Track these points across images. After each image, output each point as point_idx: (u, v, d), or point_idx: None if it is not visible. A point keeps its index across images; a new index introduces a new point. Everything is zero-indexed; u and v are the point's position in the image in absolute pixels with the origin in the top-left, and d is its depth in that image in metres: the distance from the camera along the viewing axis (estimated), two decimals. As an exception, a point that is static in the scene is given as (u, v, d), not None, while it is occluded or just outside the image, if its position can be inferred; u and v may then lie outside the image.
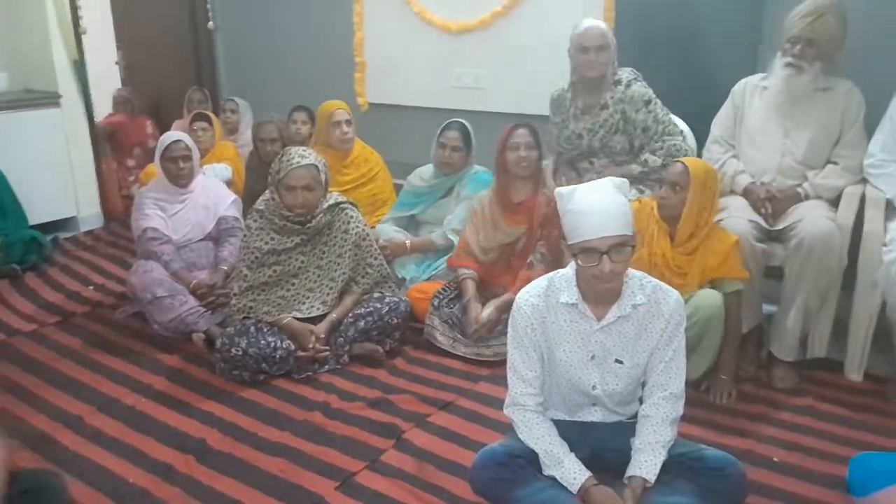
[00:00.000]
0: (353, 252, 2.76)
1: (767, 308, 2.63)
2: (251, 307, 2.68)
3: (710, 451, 1.78)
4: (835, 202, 2.60)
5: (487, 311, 2.71)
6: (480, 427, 2.27)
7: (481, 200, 2.96)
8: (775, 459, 2.09)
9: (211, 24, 4.80)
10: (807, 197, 2.62)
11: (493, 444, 1.86)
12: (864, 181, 2.61)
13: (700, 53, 3.16)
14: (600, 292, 1.77)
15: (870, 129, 2.62)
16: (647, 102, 2.89)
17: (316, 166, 2.64)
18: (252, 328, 2.62)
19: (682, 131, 2.93)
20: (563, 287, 1.81)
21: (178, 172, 3.12)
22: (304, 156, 2.64)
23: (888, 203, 2.50)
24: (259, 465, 2.11)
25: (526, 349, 1.83)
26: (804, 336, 2.52)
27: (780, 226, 2.56)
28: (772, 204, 2.59)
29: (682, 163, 2.37)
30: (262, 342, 2.57)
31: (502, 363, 2.00)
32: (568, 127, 3.03)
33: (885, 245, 2.38)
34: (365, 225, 2.83)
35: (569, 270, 1.83)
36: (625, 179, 1.82)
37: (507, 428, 1.93)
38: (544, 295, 1.82)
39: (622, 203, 1.71)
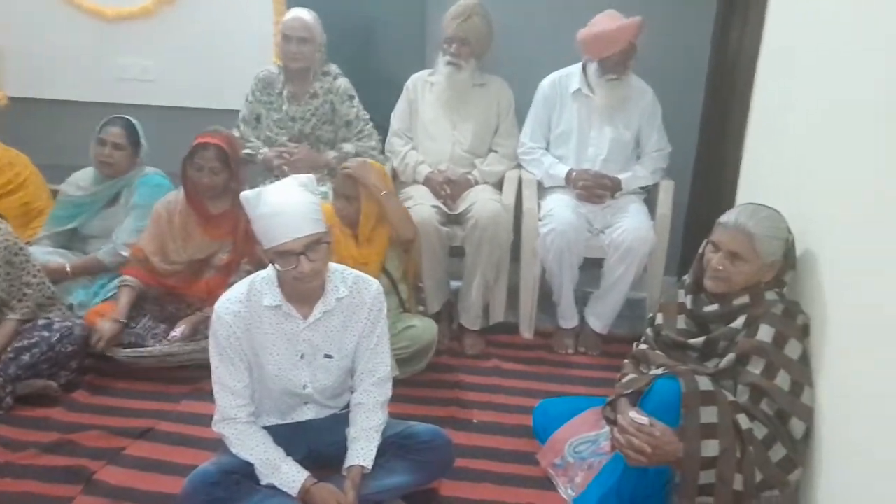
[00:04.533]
0: (3, 271, 2.34)
1: (455, 284, 2.89)
2: None
3: (419, 426, 1.89)
4: (499, 185, 2.95)
5: (181, 327, 2.51)
6: (187, 449, 2.10)
7: (169, 206, 2.61)
8: (475, 420, 2.30)
9: None
10: (477, 182, 2.93)
11: (204, 464, 1.76)
12: (521, 166, 3.00)
13: (373, 49, 3.30)
14: (304, 291, 1.75)
15: (520, 120, 3.01)
16: (351, 98, 3.02)
17: None
18: None
19: (379, 138, 3.07)
20: (265, 290, 1.76)
21: None
22: None
23: (539, 184, 2.91)
24: None
25: (231, 360, 1.75)
26: (486, 305, 2.83)
27: (458, 210, 2.82)
28: (450, 187, 2.84)
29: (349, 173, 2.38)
30: None
31: (205, 377, 1.86)
32: (281, 109, 2.99)
33: (540, 220, 2.76)
34: (16, 238, 2.42)
35: (269, 272, 1.78)
36: (312, 176, 1.82)
37: (218, 444, 1.83)
38: (246, 300, 1.75)
39: (311, 201, 1.70)
